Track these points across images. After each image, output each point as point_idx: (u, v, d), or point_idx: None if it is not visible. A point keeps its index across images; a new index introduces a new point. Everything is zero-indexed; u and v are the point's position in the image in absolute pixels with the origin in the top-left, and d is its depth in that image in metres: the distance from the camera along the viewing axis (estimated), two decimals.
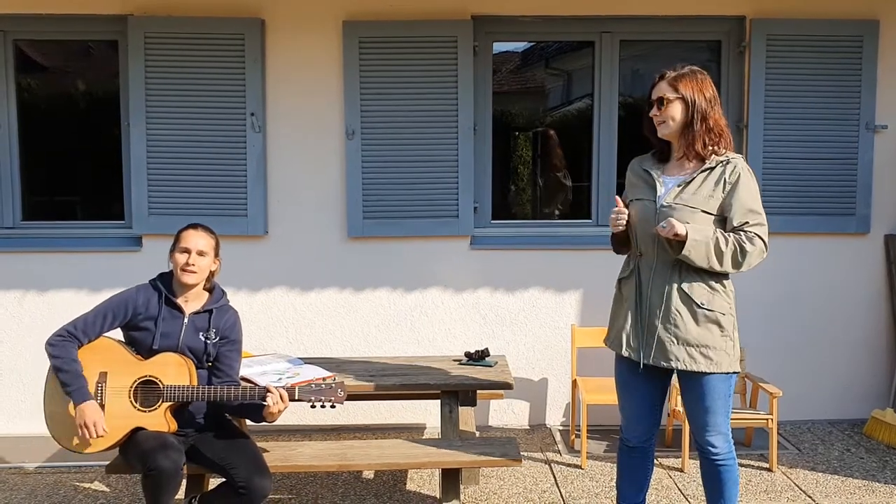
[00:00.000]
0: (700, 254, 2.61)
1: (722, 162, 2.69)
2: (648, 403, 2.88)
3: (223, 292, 3.11)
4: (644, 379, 2.82)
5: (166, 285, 3.02)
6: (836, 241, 4.64)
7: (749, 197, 2.66)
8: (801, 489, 3.76)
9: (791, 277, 4.63)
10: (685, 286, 2.68)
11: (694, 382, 2.73)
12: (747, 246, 2.62)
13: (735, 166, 2.68)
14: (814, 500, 3.63)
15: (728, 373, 2.71)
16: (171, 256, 3.03)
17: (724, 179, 2.66)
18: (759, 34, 4.47)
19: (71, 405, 2.86)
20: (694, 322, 2.68)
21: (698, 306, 2.67)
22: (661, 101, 2.70)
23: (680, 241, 2.61)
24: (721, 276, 2.72)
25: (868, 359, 4.72)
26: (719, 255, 2.62)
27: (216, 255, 3.07)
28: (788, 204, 4.51)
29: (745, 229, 2.64)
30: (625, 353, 2.81)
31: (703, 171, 2.69)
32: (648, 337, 2.74)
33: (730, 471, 2.79)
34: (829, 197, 4.57)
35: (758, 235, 2.64)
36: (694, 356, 2.68)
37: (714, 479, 2.82)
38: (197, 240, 3.00)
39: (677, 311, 2.68)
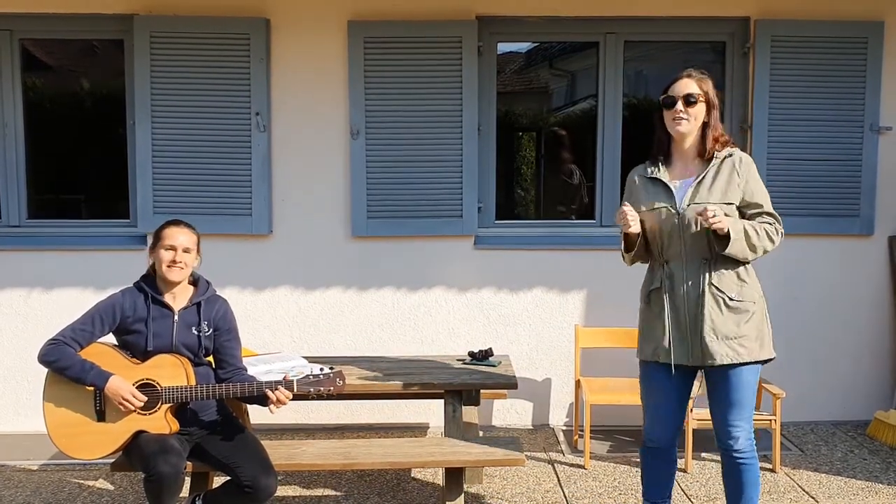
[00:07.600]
0: (741, 246, 2.69)
1: (725, 156, 2.81)
2: (676, 404, 2.91)
3: (208, 283, 3.09)
4: (676, 380, 2.86)
5: (150, 285, 2.99)
6: (839, 243, 4.64)
7: (760, 185, 2.81)
8: (804, 490, 3.76)
9: (795, 278, 4.64)
10: (715, 283, 2.76)
11: (727, 375, 2.77)
12: (776, 238, 2.77)
13: (740, 157, 2.80)
14: (817, 502, 3.63)
15: (761, 361, 2.80)
16: (152, 254, 2.99)
17: (737, 171, 2.77)
18: (763, 35, 4.47)
19: (75, 413, 2.88)
20: (729, 315, 2.75)
21: (730, 299, 2.75)
22: (690, 99, 2.75)
23: (723, 237, 2.68)
24: (745, 267, 2.81)
25: (871, 360, 4.72)
26: (752, 246, 2.72)
27: (198, 250, 3.05)
28: (792, 205, 4.51)
29: (766, 218, 2.78)
30: (672, 360, 2.81)
31: (711, 168, 2.79)
32: (692, 339, 2.78)
33: (751, 471, 2.84)
34: (834, 198, 4.57)
35: (778, 222, 2.79)
36: (734, 348, 2.74)
37: (736, 480, 2.86)
38: (181, 236, 2.97)
39: (712, 308, 2.75)
